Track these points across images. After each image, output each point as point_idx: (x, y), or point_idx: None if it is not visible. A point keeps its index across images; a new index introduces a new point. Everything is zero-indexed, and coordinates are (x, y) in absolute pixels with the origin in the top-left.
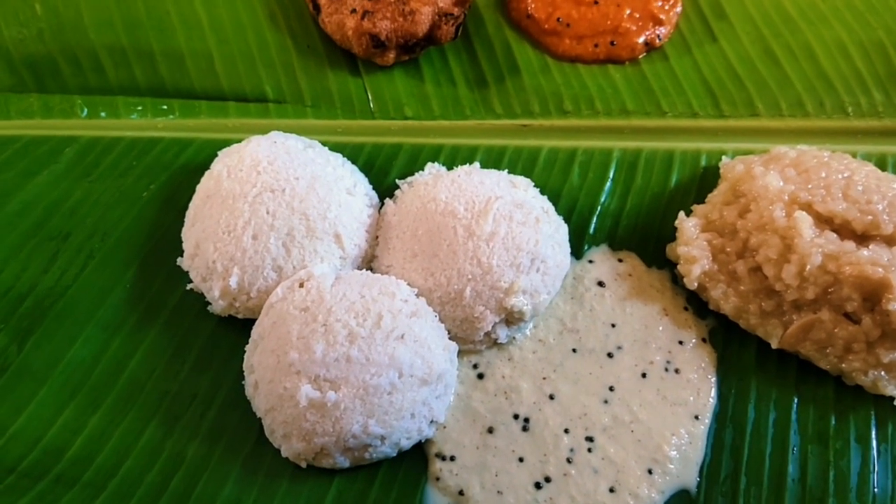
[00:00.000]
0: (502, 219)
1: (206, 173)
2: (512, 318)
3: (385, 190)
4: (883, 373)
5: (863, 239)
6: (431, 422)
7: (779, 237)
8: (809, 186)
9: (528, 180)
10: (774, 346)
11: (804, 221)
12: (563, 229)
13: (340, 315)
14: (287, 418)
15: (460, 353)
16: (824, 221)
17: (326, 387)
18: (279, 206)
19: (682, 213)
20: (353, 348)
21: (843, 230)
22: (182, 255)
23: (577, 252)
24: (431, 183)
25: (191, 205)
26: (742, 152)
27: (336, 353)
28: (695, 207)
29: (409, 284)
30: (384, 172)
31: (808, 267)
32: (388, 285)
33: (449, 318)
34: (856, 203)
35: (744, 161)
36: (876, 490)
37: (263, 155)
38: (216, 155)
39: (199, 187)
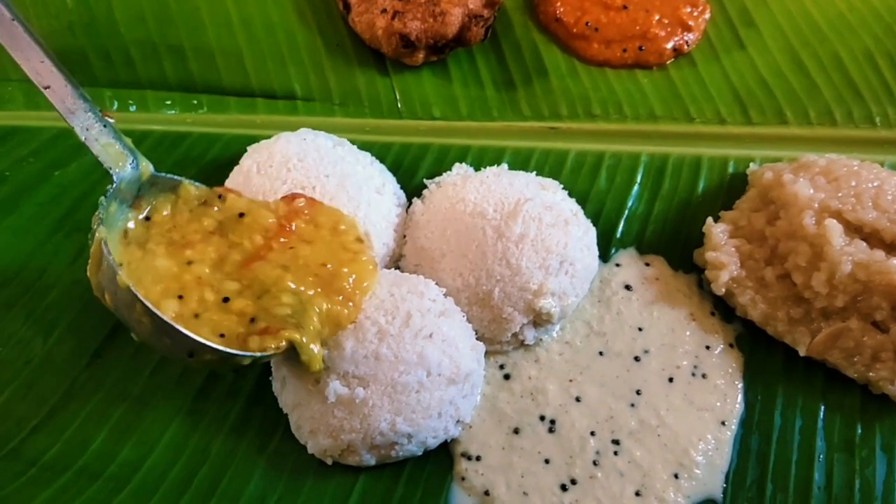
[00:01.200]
0: (532, 220)
1: (236, 168)
2: (540, 320)
3: (412, 190)
4: None
5: (892, 248)
6: (458, 422)
7: (808, 244)
8: (840, 195)
9: (557, 183)
10: (802, 353)
11: (834, 230)
12: (592, 232)
13: (370, 313)
14: (314, 414)
15: (487, 354)
16: (854, 230)
17: (355, 383)
18: None
19: (710, 219)
20: (383, 346)
21: (873, 239)
22: None
23: (604, 255)
24: (460, 183)
25: None
26: (770, 160)
27: (365, 350)
28: (723, 213)
29: (437, 284)
30: (411, 172)
31: (838, 275)
32: (416, 284)
33: (477, 318)
34: (886, 212)
35: (773, 168)
36: None
37: (293, 152)
38: (245, 150)
39: (227, 183)
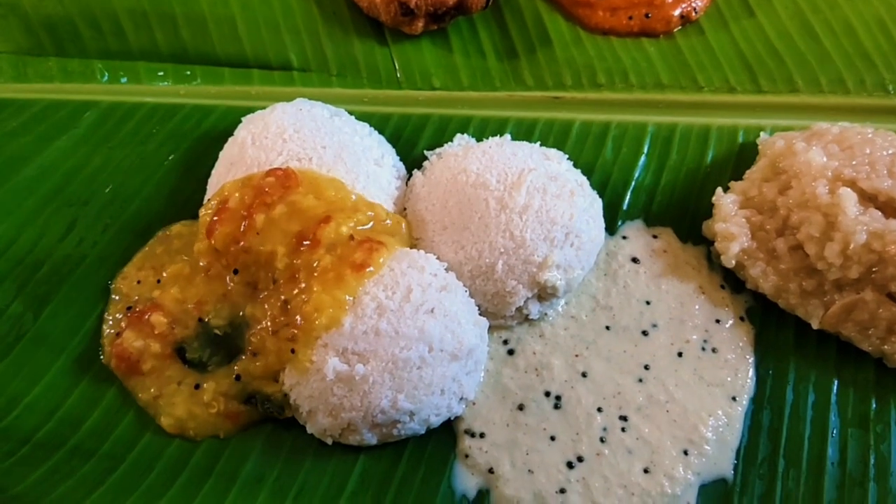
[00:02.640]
0: (536, 191)
1: (230, 140)
2: (544, 294)
3: (412, 161)
4: None
5: None
6: (461, 399)
7: (821, 214)
8: (854, 163)
9: (562, 153)
10: (815, 326)
11: (848, 198)
12: (598, 203)
13: (369, 288)
14: (313, 393)
15: (491, 329)
16: (868, 199)
17: (354, 360)
18: None
19: (719, 190)
20: (382, 321)
21: (888, 208)
22: None
23: (610, 228)
24: (462, 154)
25: (213, 172)
26: (781, 129)
27: (364, 325)
28: (732, 184)
29: (438, 258)
30: (411, 143)
31: (852, 245)
32: (416, 259)
33: (480, 292)
34: None
35: (784, 137)
36: None
37: (289, 122)
38: (239, 122)
39: (222, 154)
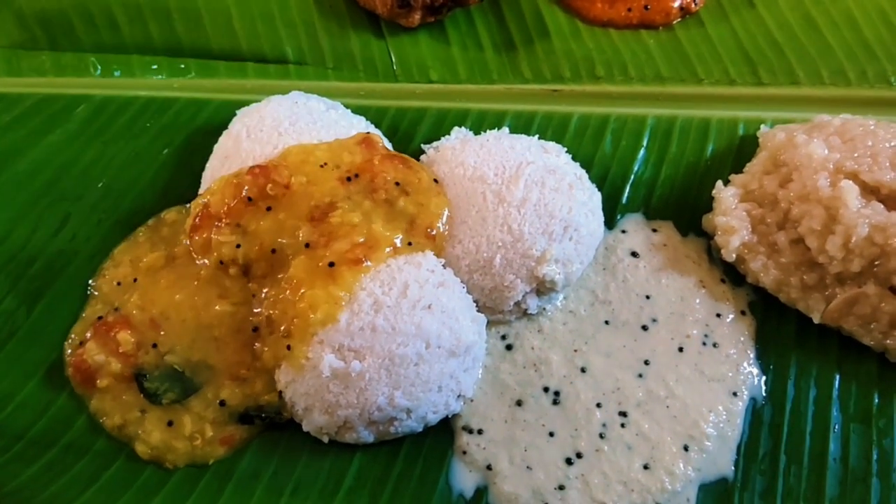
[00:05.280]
0: (534, 185)
1: (225, 133)
2: (543, 288)
3: (409, 155)
4: None
5: None
6: (459, 396)
7: (823, 207)
8: (855, 155)
9: (560, 146)
10: (817, 320)
11: (850, 191)
12: (597, 197)
13: (365, 284)
14: (309, 390)
15: (489, 325)
16: (870, 192)
17: (350, 356)
18: None
19: (719, 183)
20: (379, 317)
21: (890, 201)
22: None
23: (609, 222)
24: (459, 147)
25: (208, 165)
26: (782, 121)
27: (361, 321)
28: (732, 177)
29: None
30: (408, 137)
31: (854, 238)
32: (413, 254)
33: (477, 287)
34: None
35: (785, 129)
36: None
37: (285, 115)
38: (234, 116)
39: (216, 148)
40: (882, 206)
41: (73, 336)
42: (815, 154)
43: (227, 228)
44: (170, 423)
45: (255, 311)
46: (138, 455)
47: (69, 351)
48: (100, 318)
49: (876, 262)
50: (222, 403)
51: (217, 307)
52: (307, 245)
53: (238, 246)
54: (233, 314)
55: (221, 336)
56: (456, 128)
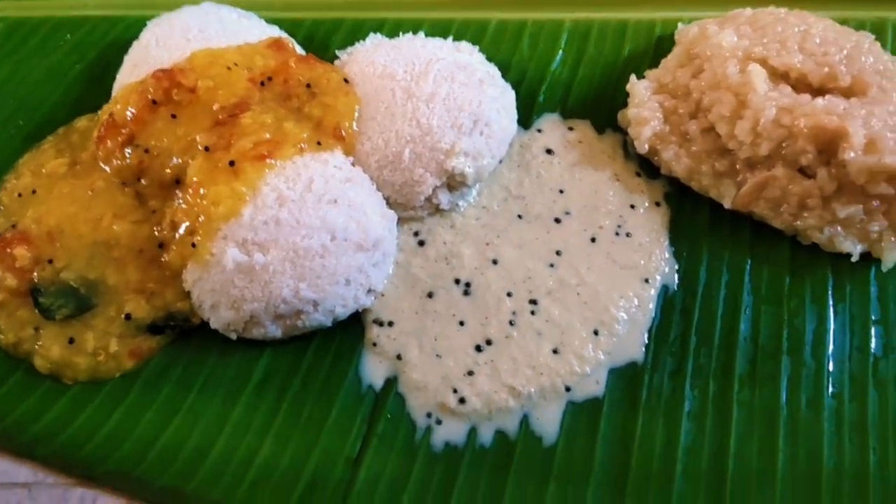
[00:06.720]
0: (443, 80)
1: (135, 43)
2: (454, 182)
3: None
4: (839, 228)
5: (819, 93)
6: (369, 291)
7: (732, 94)
8: (765, 41)
9: (474, 46)
10: (727, 206)
11: (758, 75)
12: (510, 94)
13: (269, 179)
14: (215, 286)
15: (401, 221)
16: (780, 76)
17: (254, 250)
18: None
19: (633, 77)
20: (283, 211)
21: (800, 84)
22: None
23: (525, 122)
24: (371, 49)
25: (118, 76)
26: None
27: (265, 215)
28: (647, 72)
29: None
30: (324, 47)
31: (762, 121)
32: (320, 153)
33: (388, 183)
34: (812, 55)
35: (699, 24)
36: (832, 348)
37: (195, 23)
38: None
39: (126, 58)
40: (790, 89)
41: None
42: (724, 42)
43: (132, 138)
44: (71, 341)
45: (160, 228)
46: (37, 369)
47: None
48: None
49: (784, 144)
50: (128, 317)
51: (116, 226)
52: (206, 148)
53: (146, 151)
54: (133, 233)
55: (122, 256)
56: (372, 34)
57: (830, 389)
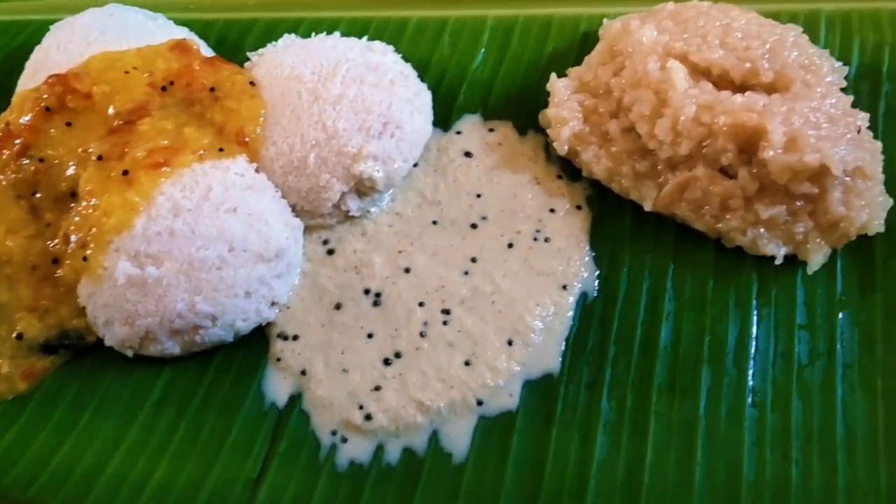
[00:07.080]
0: (352, 81)
1: (37, 48)
2: (363, 188)
3: None
4: (763, 230)
5: (742, 89)
6: (272, 303)
7: (652, 92)
8: (685, 36)
9: (388, 46)
10: (648, 208)
11: (678, 72)
12: (425, 95)
13: (165, 188)
14: (108, 301)
15: (309, 230)
16: (702, 73)
17: (147, 262)
18: None
19: (553, 75)
20: (178, 221)
21: (722, 81)
22: None
23: (444, 124)
24: (281, 50)
25: (19, 83)
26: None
27: (158, 226)
28: (571, 70)
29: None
30: (236, 48)
31: (682, 119)
32: (221, 160)
33: (293, 189)
34: (734, 50)
35: (623, 20)
36: (755, 355)
37: (96, 26)
38: None
39: (27, 64)
40: (711, 86)
41: None
42: (644, 38)
43: (27, 147)
44: None
45: (54, 242)
46: None
47: None
48: None
49: (704, 143)
50: (20, 337)
51: (9, 242)
52: (100, 157)
53: (41, 161)
54: (26, 248)
55: (13, 273)
56: (286, 34)
57: (752, 398)
